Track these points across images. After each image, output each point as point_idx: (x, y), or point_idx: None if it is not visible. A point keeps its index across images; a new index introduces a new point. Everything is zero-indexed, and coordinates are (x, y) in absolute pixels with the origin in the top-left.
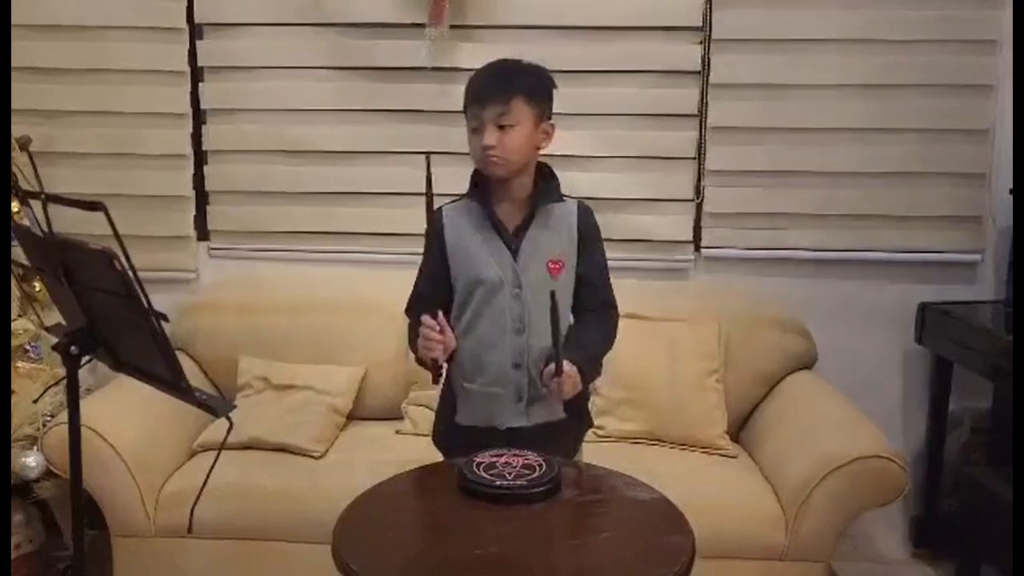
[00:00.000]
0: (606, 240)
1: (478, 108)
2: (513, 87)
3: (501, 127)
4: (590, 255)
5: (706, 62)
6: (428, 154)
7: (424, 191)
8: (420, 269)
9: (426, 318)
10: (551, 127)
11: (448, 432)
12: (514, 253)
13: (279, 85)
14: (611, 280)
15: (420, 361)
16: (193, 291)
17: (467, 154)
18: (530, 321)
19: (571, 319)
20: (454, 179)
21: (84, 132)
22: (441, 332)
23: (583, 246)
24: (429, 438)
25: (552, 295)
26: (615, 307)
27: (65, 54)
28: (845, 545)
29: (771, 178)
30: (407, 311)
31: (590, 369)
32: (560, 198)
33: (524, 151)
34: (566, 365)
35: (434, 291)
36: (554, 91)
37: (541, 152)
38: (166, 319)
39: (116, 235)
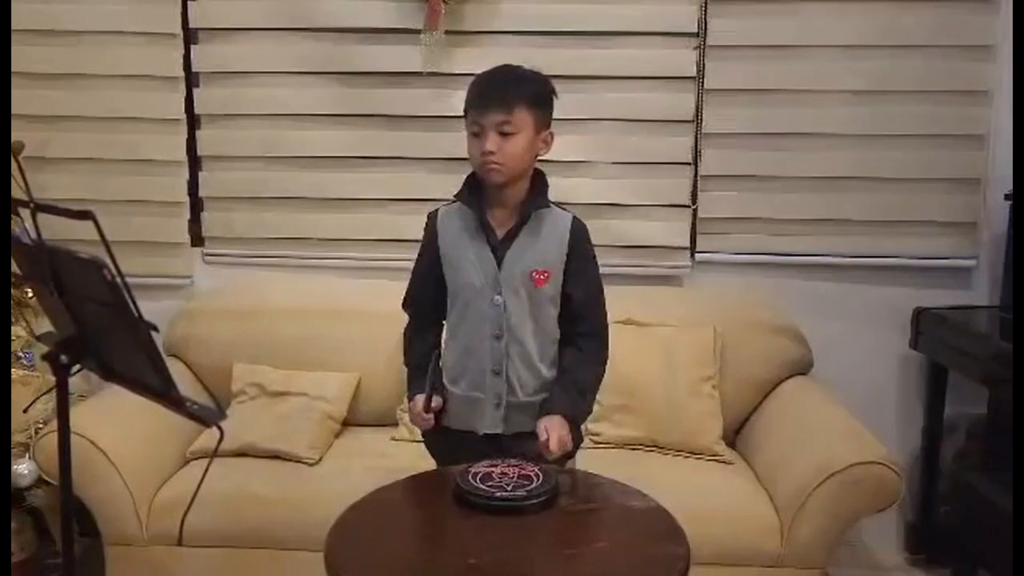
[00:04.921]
0: (603, 246)
1: (479, 113)
2: (517, 94)
3: (503, 134)
4: (583, 276)
5: (701, 68)
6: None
7: None
8: (414, 267)
9: (417, 407)
10: (551, 136)
11: (436, 433)
12: (499, 259)
13: (274, 91)
14: (607, 287)
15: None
16: (188, 297)
17: (461, 160)
18: (509, 328)
19: (557, 334)
20: (448, 185)
21: (79, 137)
22: (428, 410)
23: (573, 263)
24: (423, 444)
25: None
26: (607, 328)
27: (60, 59)
28: (841, 552)
29: (767, 184)
30: (404, 305)
31: (582, 412)
32: (548, 204)
33: (524, 159)
34: (554, 428)
35: (426, 290)
36: (554, 100)
37: (539, 160)
38: (156, 329)
39: (105, 244)
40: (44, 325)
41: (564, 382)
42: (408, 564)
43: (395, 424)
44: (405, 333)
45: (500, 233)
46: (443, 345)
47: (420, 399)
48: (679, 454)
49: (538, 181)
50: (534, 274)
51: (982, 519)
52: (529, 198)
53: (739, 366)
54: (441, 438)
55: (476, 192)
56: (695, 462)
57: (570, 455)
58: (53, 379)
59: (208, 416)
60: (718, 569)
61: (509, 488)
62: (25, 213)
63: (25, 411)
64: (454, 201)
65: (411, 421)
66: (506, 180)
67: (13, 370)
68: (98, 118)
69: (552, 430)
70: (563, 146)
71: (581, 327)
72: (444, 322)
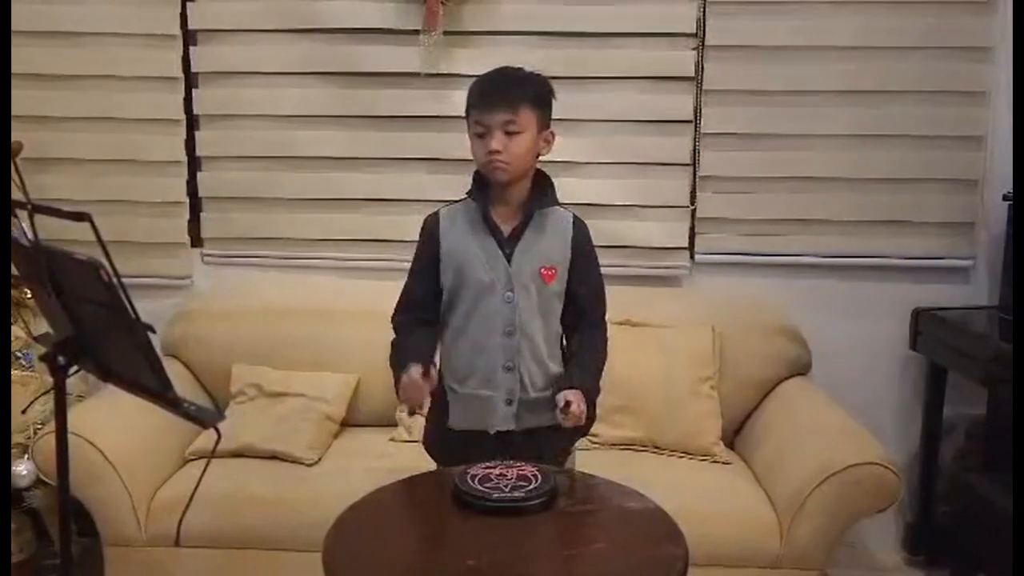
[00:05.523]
0: (601, 247)
1: (484, 113)
2: (520, 94)
3: (508, 133)
4: (586, 273)
5: (700, 68)
6: None
7: None
8: (410, 273)
9: (414, 374)
10: (552, 135)
11: (439, 436)
12: (508, 256)
13: (273, 91)
14: (606, 287)
15: (399, 395)
16: (187, 297)
17: (459, 161)
18: (521, 324)
19: (559, 329)
20: (447, 185)
21: (78, 138)
22: (425, 377)
23: (578, 261)
24: (425, 450)
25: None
26: (605, 321)
27: (59, 60)
28: (840, 552)
29: (765, 184)
30: (394, 317)
31: (595, 390)
32: (555, 202)
33: (528, 158)
34: (575, 396)
35: (426, 294)
36: (553, 100)
37: (540, 159)
38: (152, 331)
39: (102, 245)
40: (42, 326)
41: (574, 363)
42: (406, 565)
43: (394, 425)
44: (393, 344)
45: (506, 231)
46: (445, 347)
47: (415, 366)
48: (676, 454)
49: (542, 181)
50: (543, 271)
51: (981, 519)
52: (532, 197)
53: (738, 367)
54: (447, 441)
55: (480, 191)
56: (694, 463)
57: (584, 431)
58: (51, 380)
59: (205, 417)
60: (717, 570)
61: (507, 489)
62: (23, 214)
63: (23, 412)
64: (455, 202)
65: (403, 397)
66: (511, 178)
67: (12, 371)
68: (97, 119)
69: (571, 398)
70: (562, 146)
71: (587, 322)
72: (436, 328)
